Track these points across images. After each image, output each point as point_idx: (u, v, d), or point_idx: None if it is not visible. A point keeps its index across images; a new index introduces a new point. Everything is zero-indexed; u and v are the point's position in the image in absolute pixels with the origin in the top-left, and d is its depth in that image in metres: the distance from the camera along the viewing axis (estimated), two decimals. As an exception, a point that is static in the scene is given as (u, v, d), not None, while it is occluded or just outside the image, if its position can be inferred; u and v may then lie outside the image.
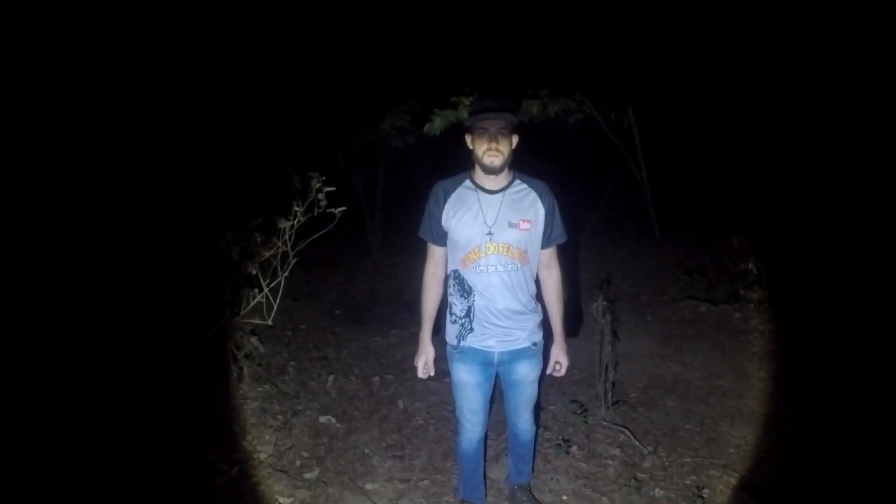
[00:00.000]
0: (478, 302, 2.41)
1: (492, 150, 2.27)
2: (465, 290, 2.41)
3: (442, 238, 2.45)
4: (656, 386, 4.25)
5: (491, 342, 2.45)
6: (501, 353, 2.47)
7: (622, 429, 3.62)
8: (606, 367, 3.71)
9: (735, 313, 5.24)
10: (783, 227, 5.69)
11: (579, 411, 3.75)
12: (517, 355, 2.49)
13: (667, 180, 7.24)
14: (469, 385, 2.52)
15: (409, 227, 8.13)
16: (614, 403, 3.79)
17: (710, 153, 6.79)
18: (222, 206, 3.79)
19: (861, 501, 2.96)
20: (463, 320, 2.45)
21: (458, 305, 2.45)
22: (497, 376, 2.59)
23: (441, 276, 2.54)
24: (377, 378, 4.45)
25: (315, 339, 5.19)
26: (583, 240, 7.38)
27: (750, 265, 5.11)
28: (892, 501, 2.91)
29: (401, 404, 4.07)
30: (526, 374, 2.55)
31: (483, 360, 2.48)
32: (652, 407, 3.95)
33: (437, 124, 4.71)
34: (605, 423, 3.69)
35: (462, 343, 2.47)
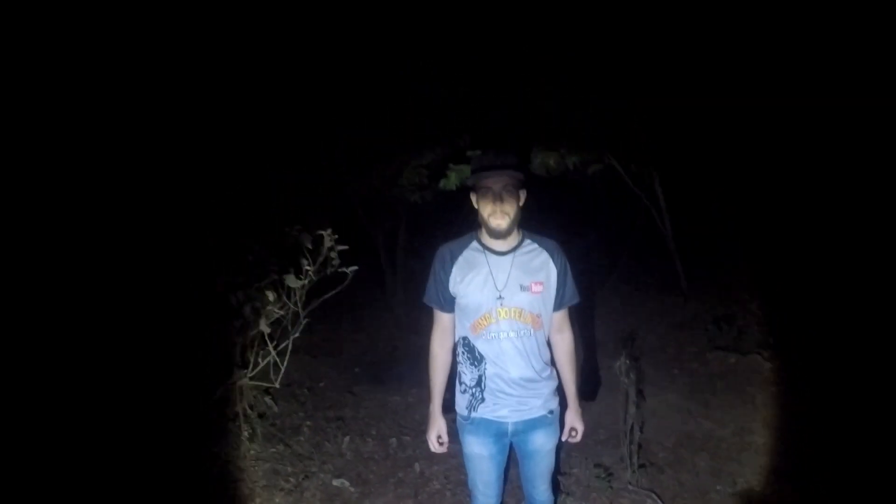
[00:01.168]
0: (489, 370, 2.29)
1: (497, 213, 2.17)
2: (476, 359, 2.30)
3: (449, 304, 2.35)
4: (685, 444, 4.06)
5: (504, 412, 2.32)
6: (516, 423, 2.34)
7: (649, 493, 3.45)
8: (632, 428, 3.55)
9: (766, 363, 5.03)
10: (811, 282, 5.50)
11: (603, 475, 3.58)
12: (532, 425, 2.36)
13: (691, 229, 7.09)
14: (482, 458, 2.40)
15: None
16: (640, 466, 3.61)
17: (733, 200, 6.67)
18: (235, 262, 3.77)
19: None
20: (473, 390, 2.33)
21: (467, 374, 2.34)
22: (511, 446, 2.46)
23: (449, 344, 2.43)
24: (394, 439, 4.32)
25: (332, 398, 5.09)
26: (604, 293, 7.23)
27: (778, 313, 4.91)
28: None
29: (418, 468, 3.93)
30: (542, 443, 2.41)
31: (496, 431, 2.36)
32: (680, 467, 3.77)
33: (452, 179, 4.70)
34: (630, 487, 3.51)
35: (473, 414, 2.35)
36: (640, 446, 3.69)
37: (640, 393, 3.60)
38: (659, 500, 3.37)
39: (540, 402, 2.35)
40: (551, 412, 2.40)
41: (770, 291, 5.56)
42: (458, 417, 2.42)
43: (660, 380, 5.07)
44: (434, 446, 2.52)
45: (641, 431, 3.71)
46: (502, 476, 2.50)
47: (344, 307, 7.44)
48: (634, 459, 3.58)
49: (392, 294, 7.52)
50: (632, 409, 3.57)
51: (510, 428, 2.35)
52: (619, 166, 6.22)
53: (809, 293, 5.48)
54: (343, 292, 3.95)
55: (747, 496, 3.43)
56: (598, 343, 5.89)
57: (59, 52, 3.58)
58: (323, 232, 3.56)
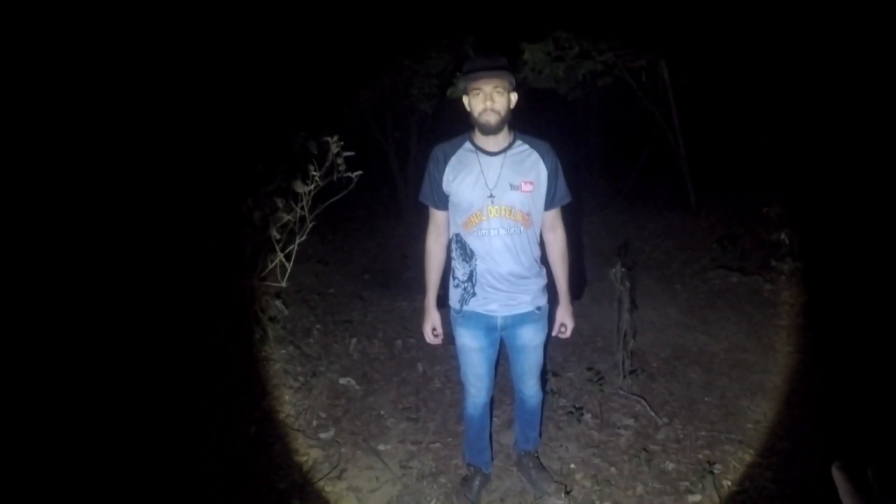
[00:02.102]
0: (480, 266, 2.38)
1: (487, 111, 2.21)
2: (467, 254, 2.39)
3: (443, 202, 2.42)
4: (679, 356, 4.20)
5: (494, 306, 2.43)
6: (505, 318, 2.46)
7: (638, 399, 3.60)
8: (625, 335, 3.68)
9: (766, 285, 5.11)
10: (821, 196, 5.46)
11: (596, 379, 3.74)
12: (521, 319, 2.47)
13: (703, 146, 7.02)
14: (472, 349, 2.52)
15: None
16: (632, 372, 3.76)
17: (749, 115, 6.54)
18: (243, 170, 3.83)
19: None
20: (465, 284, 2.43)
21: (460, 269, 2.44)
22: (502, 341, 2.59)
23: (444, 241, 2.52)
24: (399, 341, 4.50)
25: (342, 303, 5.26)
26: (613, 209, 7.27)
27: (783, 235, 4.94)
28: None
29: (420, 367, 4.12)
30: (530, 338, 2.53)
31: (486, 324, 2.47)
32: (672, 378, 3.91)
33: (459, 87, 4.64)
34: (621, 393, 3.67)
35: (465, 307, 2.46)
36: (633, 354, 3.83)
37: (632, 301, 3.70)
38: (647, 407, 3.53)
39: (528, 298, 2.45)
40: (539, 308, 2.51)
41: (778, 215, 5.53)
42: (451, 311, 2.54)
43: (661, 294, 5.19)
44: (429, 337, 2.63)
45: (635, 340, 3.85)
46: (493, 370, 2.63)
47: (356, 216, 7.57)
48: (626, 365, 3.72)
49: (403, 203, 7.60)
50: (625, 316, 3.68)
51: (499, 322, 2.47)
52: (631, 79, 6.10)
53: (817, 220, 5.48)
54: (355, 202, 4.02)
55: (733, 409, 3.56)
56: (605, 255, 5.98)
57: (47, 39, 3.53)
58: (328, 138, 3.59)
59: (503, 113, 2.24)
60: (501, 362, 2.79)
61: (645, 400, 3.60)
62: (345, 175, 3.69)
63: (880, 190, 5.06)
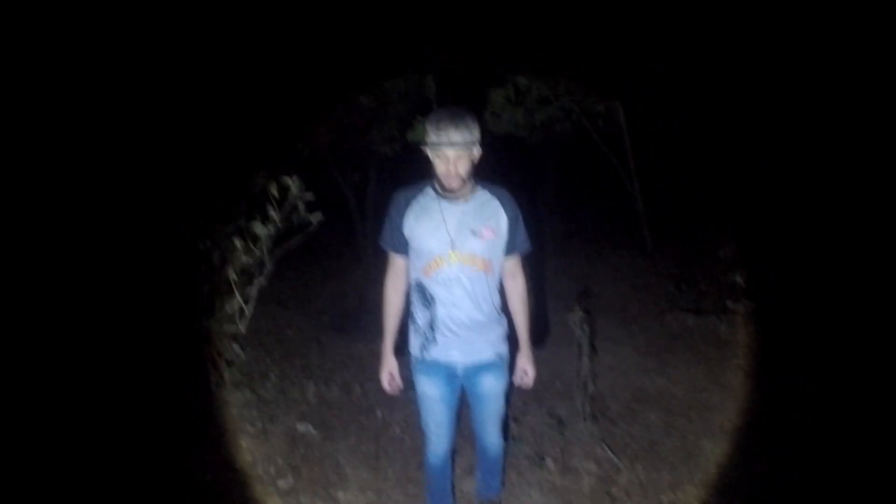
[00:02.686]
0: (440, 312, 2.36)
1: (450, 177, 2.21)
2: (427, 300, 2.37)
3: (403, 247, 2.41)
4: (639, 399, 4.21)
5: (454, 354, 2.41)
6: (466, 366, 2.43)
7: (600, 443, 3.59)
8: (585, 380, 3.68)
9: (722, 326, 5.20)
10: (774, 238, 5.60)
11: (556, 424, 3.72)
12: (482, 368, 2.45)
13: (658, 189, 7.19)
14: (433, 398, 2.49)
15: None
16: (593, 417, 3.76)
17: (704, 161, 6.73)
18: (202, 208, 3.76)
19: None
20: (425, 331, 2.40)
21: (420, 316, 2.41)
22: (463, 389, 2.55)
23: (402, 287, 2.50)
24: (358, 386, 4.42)
25: (299, 347, 5.16)
26: (570, 251, 7.35)
27: (737, 277, 5.06)
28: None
29: (379, 414, 4.03)
30: (491, 386, 2.50)
31: (447, 372, 2.44)
32: (633, 421, 3.92)
33: (419, 131, 4.68)
34: (582, 437, 3.66)
35: (425, 354, 2.43)
36: (593, 398, 3.82)
37: (592, 346, 3.71)
38: (609, 450, 3.52)
39: (489, 346, 2.44)
40: (500, 356, 2.50)
41: (733, 256, 5.66)
42: (412, 358, 2.51)
43: (619, 336, 5.22)
44: (386, 385, 2.58)
45: (595, 384, 3.84)
46: (454, 419, 2.59)
47: (313, 258, 7.49)
48: (587, 410, 3.72)
49: (361, 246, 7.55)
50: (585, 361, 3.69)
51: (460, 370, 2.44)
52: (588, 123, 6.25)
53: (771, 261, 5.62)
54: (313, 244, 3.98)
55: (694, 451, 3.58)
56: (561, 298, 6.01)
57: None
58: (289, 179, 3.56)
59: (465, 175, 2.24)
60: (462, 408, 2.75)
61: (606, 444, 3.59)
62: (305, 218, 3.64)
63: (833, 230, 5.22)
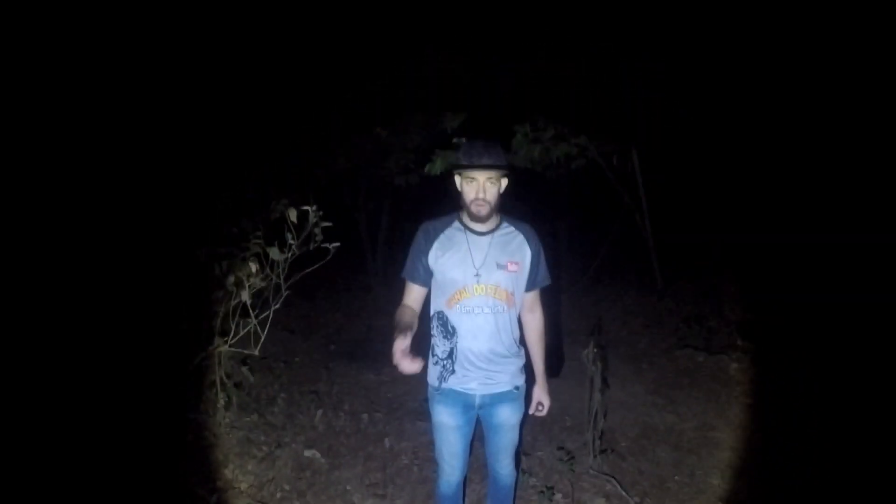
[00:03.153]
0: (461, 343, 2.38)
1: (479, 201, 2.29)
2: (449, 332, 2.39)
3: (426, 277, 2.44)
4: (648, 435, 4.19)
5: (472, 384, 2.42)
6: (483, 396, 2.44)
7: (609, 478, 3.56)
8: (595, 415, 3.67)
9: (732, 364, 5.18)
10: (781, 278, 5.64)
11: (566, 458, 3.69)
12: (499, 399, 2.47)
13: (670, 227, 7.23)
14: (449, 428, 2.48)
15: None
16: (602, 452, 3.73)
17: (714, 199, 6.79)
18: (220, 233, 3.82)
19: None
20: (444, 361, 2.42)
21: (440, 346, 2.43)
22: (478, 420, 2.56)
23: (416, 309, 2.48)
24: (366, 415, 4.41)
25: (308, 373, 5.17)
26: (581, 288, 7.36)
27: (748, 316, 5.05)
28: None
29: (387, 443, 4.02)
30: (507, 417, 2.51)
31: (464, 402, 2.45)
32: (642, 456, 3.89)
33: (437, 165, 4.76)
34: (591, 472, 3.63)
35: (443, 384, 2.44)
36: (602, 433, 3.80)
37: (604, 381, 3.71)
38: (618, 486, 3.49)
39: (507, 378, 2.46)
40: (517, 388, 2.51)
41: (742, 295, 5.67)
42: (429, 387, 2.51)
43: (629, 373, 5.20)
44: (398, 357, 2.07)
45: (605, 419, 3.83)
46: (468, 449, 2.58)
47: (323, 285, 7.52)
48: (597, 445, 3.69)
49: (371, 275, 7.59)
50: (597, 396, 3.68)
51: (477, 401, 2.45)
52: (602, 162, 6.33)
53: (780, 300, 5.63)
54: (323, 271, 4.02)
55: (703, 487, 3.55)
56: (572, 334, 6.02)
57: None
58: (308, 207, 3.62)
59: (493, 202, 2.31)
60: (474, 441, 2.75)
61: (616, 479, 3.56)
62: (322, 245, 3.69)
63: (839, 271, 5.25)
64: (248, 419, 4.08)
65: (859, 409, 4.16)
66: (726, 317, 6.05)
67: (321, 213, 3.72)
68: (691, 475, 3.69)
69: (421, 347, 2.56)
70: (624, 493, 3.43)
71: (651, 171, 6.57)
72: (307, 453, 3.83)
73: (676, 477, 3.66)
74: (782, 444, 3.96)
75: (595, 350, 3.60)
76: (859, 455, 3.65)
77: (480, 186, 2.28)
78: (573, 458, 3.73)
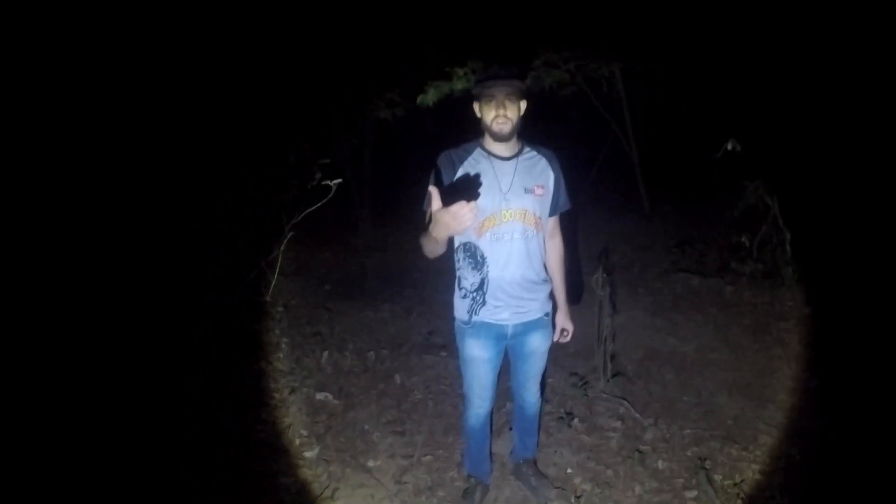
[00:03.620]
0: (492, 273, 2.33)
1: (500, 117, 2.22)
2: (478, 262, 2.34)
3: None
4: (652, 358, 4.25)
5: (504, 315, 2.38)
6: (515, 326, 2.42)
7: (622, 401, 3.63)
8: (605, 340, 3.70)
9: (727, 286, 5.25)
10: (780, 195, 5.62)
11: (579, 384, 3.75)
12: (530, 327, 2.45)
13: (656, 154, 7.21)
14: (481, 360, 2.46)
15: (398, 201, 8.08)
16: (613, 376, 3.78)
17: (704, 121, 6.73)
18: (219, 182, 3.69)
19: (861, 467, 2.99)
20: (474, 294, 2.37)
21: (468, 279, 2.38)
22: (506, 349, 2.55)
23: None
24: (372, 353, 4.40)
25: (307, 315, 5.12)
26: (571, 213, 7.33)
27: (743, 238, 5.09)
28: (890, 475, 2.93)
29: (398, 379, 4.03)
30: (538, 345, 2.52)
31: (497, 333, 2.42)
32: (649, 379, 3.96)
33: (430, 95, 4.61)
34: (604, 396, 3.69)
35: (474, 318, 2.40)
36: (612, 357, 3.85)
37: (613, 306, 3.73)
38: (632, 408, 3.55)
39: (538, 305, 2.44)
40: (547, 314, 2.52)
41: (731, 218, 5.67)
42: (458, 322, 2.47)
43: (626, 297, 5.24)
44: (461, 209, 1.85)
45: (613, 343, 3.87)
46: (496, 380, 2.58)
47: (310, 227, 7.38)
48: (608, 369, 3.75)
49: (358, 212, 7.48)
50: (606, 321, 3.71)
51: (510, 331, 2.42)
52: (589, 89, 6.23)
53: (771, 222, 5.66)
54: (309, 213, 3.93)
55: (711, 407, 3.63)
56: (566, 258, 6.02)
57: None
58: (305, 146, 3.50)
59: (515, 120, 2.25)
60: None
61: (628, 401, 3.62)
62: (322, 183, 3.58)
63: (837, 192, 5.26)
64: (254, 367, 4.04)
65: (858, 322, 4.25)
66: (715, 241, 6.09)
67: (318, 151, 3.60)
68: (698, 395, 3.77)
69: (451, 287, 2.52)
70: (638, 415, 3.50)
71: (639, 94, 6.48)
72: (319, 396, 3.82)
73: (685, 398, 3.74)
74: (782, 363, 4.07)
75: (604, 275, 3.60)
76: (858, 366, 3.75)
77: (500, 103, 2.21)
78: (586, 383, 3.78)
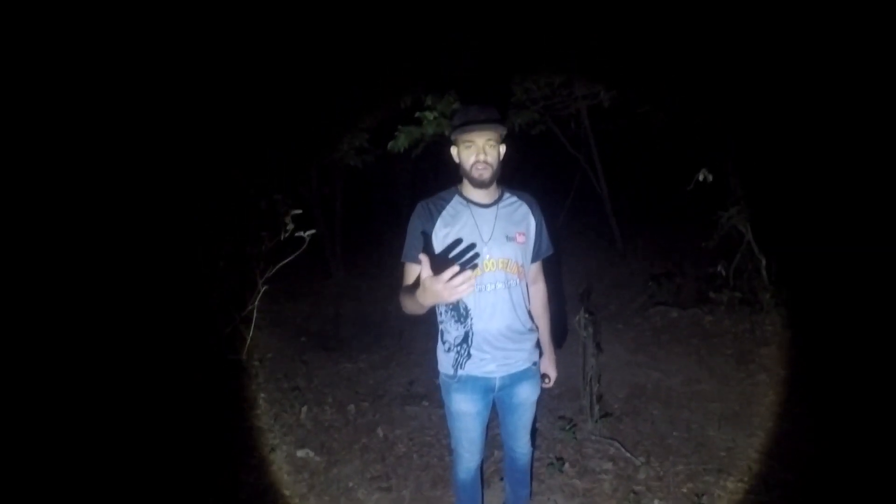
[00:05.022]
0: (476, 325, 2.26)
1: (480, 163, 2.16)
2: (461, 314, 2.26)
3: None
4: (637, 395, 4.20)
5: (491, 367, 2.30)
6: (503, 378, 2.33)
7: (611, 441, 3.55)
8: (591, 380, 3.64)
9: (706, 316, 5.25)
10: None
11: (568, 427, 3.66)
12: (518, 378, 2.37)
13: (626, 188, 7.29)
14: (469, 415, 2.36)
15: (370, 248, 8.02)
16: (602, 416, 3.71)
17: (673, 152, 6.81)
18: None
19: (856, 490, 2.95)
20: (459, 347, 2.29)
21: (452, 332, 2.30)
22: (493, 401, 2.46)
23: None
24: (352, 406, 4.28)
25: (284, 369, 4.97)
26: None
27: (719, 268, 5.11)
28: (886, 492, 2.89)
29: (380, 432, 3.91)
30: (527, 396, 2.43)
31: (483, 387, 2.33)
32: (637, 416, 3.90)
33: (401, 141, 4.59)
34: (594, 437, 3.61)
35: (460, 371, 2.31)
36: (599, 398, 3.79)
37: (597, 345, 3.68)
38: (622, 448, 3.48)
39: (525, 355, 2.36)
40: (535, 364, 2.44)
41: (705, 248, 5.70)
42: (443, 376, 2.38)
43: (606, 335, 5.21)
44: (452, 281, 1.71)
45: (599, 383, 3.81)
46: (485, 432, 2.49)
47: (282, 278, 7.27)
48: (595, 410, 3.67)
49: (331, 260, 7.40)
50: (591, 362, 3.65)
51: (497, 383, 2.33)
52: (557, 128, 6.30)
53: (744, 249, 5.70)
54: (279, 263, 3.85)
55: (702, 440, 3.58)
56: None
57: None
58: (277, 196, 3.43)
59: (496, 166, 2.19)
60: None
61: (618, 441, 3.55)
62: (296, 234, 3.51)
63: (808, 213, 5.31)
64: (233, 426, 3.89)
65: (837, 350, 4.25)
66: (690, 272, 6.12)
67: (289, 201, 3.54)
68: (688, 429, 3.71)
69: (428, 334, 2.45)
70: (629, 454, 3.43)
71: (604, 135, 6.57)
72: (300, 453, 3.68)
73: (675, 433, 3.68)
74: (766, 389, 4.05)
75: (586, 316, 3.56)
76: (845, 389, 3.73)
77: (480, 149, 2.15)
78: (575, 425, 3.70)
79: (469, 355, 2.29)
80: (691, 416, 3.86)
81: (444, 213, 2.26)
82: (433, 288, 1.75)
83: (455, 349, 2.30)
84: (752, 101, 4.88)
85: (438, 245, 2.25)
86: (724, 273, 5.09)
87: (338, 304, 6.76)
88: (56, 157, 3.22)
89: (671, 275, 6.18)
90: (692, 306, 5.44)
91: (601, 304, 6.03)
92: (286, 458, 3.62)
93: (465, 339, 2.28)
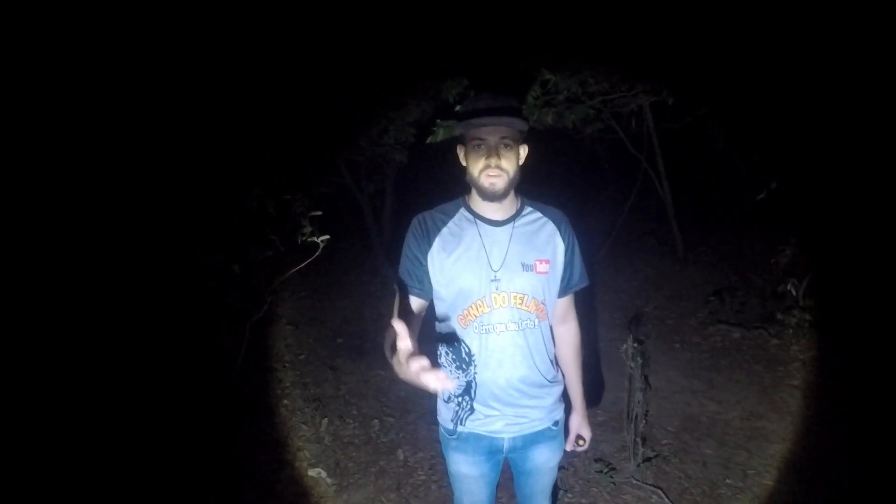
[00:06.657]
0: (481, 374, 1.80)
1: (491, 169, 1.68)
2: (463, 360, 1.80)
3: (423, 287, 1.80)
4: (690, 428, 3.77)
5: (498, 425, 1.84)
6: (513, 439, 1.87)
7: (655, 489, 3.14)
8: (636, 418, 3.24)
9: (772, 340, 4.74)
10: (828, 240, 5.10)
11: (605, 469, 3.27)
12: (533, 440, 1.90)
13: (691, 193, 6.76)
14: (470, 478, 1.93)
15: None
16: (645, 460, 3.30)
17: (744, 157, 6.26)
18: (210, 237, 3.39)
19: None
20: (460, 399, 1.84)
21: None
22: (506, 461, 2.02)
23: (413, 329, 1.68)
24: (377, 421, 4.00)
25: (313, 373, 4.75)
26: (600, 259, 6.88)
27: (789, 286, 4.58)
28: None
29: (401, 455, 3.62)
30: (545, 461, 1.96)
31: (488, 447, 1.88)
32: (686, 456, 3.48)
33: (440, 134, 4.26)
34: (634, 482, 3.21)
35: (460, 427, 1.87)
36: (644, 440, 3.39)
37: (646, 379, 3.27)
38: (666, 497, 3.07)
39: (542, 413, 1.88)
40: (556, 423, 1.95)
41: (786, 265, 5.14)
42: (442, 431, 1.97)
43: (660, 354, 4.77)
44: (423, 375, 1.22)
45: (646, 419, 3.41)
46: (494, 493, 2.06)
47: (330, 274, 7.11)
48: (639, 452, 3.27)
49: (378, 256, 7.18)
50: (638, 396, 3.26)
51: (506, 444, 1.88)
52: (616, 125, 5.84)
53: (819, 266, 5.14)
54: (328, 256, 3.58)
55: (758, 491, 3.15)
56: (595, 312, 5.58)
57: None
58: (288, 196, 3.13)
59: (511, 172, 1.70)
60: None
61: (661, 489, 3.14)
62: (310, 239, 3.22)
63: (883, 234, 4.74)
64: (245, 434, 3.69)
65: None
66: (759, 288, 5.58)
67: (308, 201, 3.23)
68: (743, 476, 3.29)
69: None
70: (672, 505, 3.03)
71: (669, 134, 6.06)
72: (312, 472, 3.43)
73: (728, 480, 3.27)
74: (837, 432, 3.56)
75: (635, 345, 3.14)
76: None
77: (492, 150, 1.68)
78: (613, 468, 3.30)
79: (471, 409, 1.84)
80: (747, 460, 3.42)
81: (444, 231, 1.80)
82: (408, 369, 1.23)
83: (455, 401, 1.86)
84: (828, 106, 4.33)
85: (435, 273, 1.79)
86: (794, 292, 4.56)
87: (381, 303, 6.51)
88: (56, 157, 3.06)
89: (734, 289, 5.66)
90: (757, 327, 4.93)
91: (657, 317, 5.56)
92: (295, 477, 3.38)
93: (468, 390, 1.83)
